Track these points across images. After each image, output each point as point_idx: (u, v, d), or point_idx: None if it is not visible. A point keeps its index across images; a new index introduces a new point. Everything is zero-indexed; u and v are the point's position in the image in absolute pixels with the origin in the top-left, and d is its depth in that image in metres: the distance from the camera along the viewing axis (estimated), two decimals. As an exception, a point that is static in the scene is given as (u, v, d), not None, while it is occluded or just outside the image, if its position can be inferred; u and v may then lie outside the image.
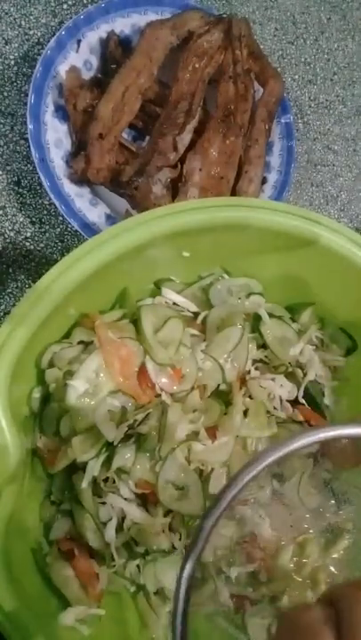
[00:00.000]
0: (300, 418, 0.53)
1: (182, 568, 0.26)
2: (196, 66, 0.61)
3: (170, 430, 0.47)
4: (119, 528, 0.47)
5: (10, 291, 0.63)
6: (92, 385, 0.47)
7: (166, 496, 0.46)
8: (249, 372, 0.53)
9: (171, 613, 0.26)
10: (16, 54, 0.66)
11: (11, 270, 0.63)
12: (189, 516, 0.46)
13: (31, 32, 0.67)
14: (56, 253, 0.65)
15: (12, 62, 0.66)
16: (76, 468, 0.48)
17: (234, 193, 0.63)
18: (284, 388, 0.53)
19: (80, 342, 0.50)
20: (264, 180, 0.66)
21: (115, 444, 0.46)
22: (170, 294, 0.54)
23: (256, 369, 0.53)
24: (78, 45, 0.62)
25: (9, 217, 0.64)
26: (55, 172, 0.60)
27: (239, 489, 0.27)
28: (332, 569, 0.37)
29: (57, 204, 0.58)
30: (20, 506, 0.43)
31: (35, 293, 0.43)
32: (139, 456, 0.46)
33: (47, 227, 0.65)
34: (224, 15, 0.65)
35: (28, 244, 0.64)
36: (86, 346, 0.49)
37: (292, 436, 0.28)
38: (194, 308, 0.55)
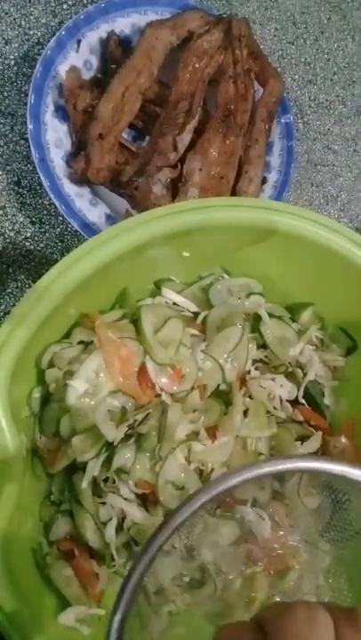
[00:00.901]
0: (300, 418, 0.53)
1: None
2: (196, 66, 0.61)
3: (170, 430, 0.47)
4: (119, 528, 0.47)
5: (10, 291, 0.63)
6: (92, 385, 0.47)
7: (166, 496, 0.46)
8: (249, 372, 0.53)
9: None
10: (16, 54, 0.66)
11: (11, 270, 0.63)
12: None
13: (31, 32, 0.67)
14: (56, 253, 0.65)
15: (12, 62, 0.66)
16: (76, 468, 0.48)
17: (234, 193, 0.63)
18: (284, 388, 0.53)
19: (80, 342, 0.50)
20: (264, 180, 0.66)
21: (115, 444, 0.46)
22: (170, 294, 0.54)
23: (256, 369, 0.53)
24: (78, 45, 0.62)
25: (9, 217, 0.64)
26: (55, 172, 0.60)
27: (169, 535, 0.28)
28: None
29: (57, 204, 0.58)
30: (20, 506, 0.43)
31: (35, 293, 0.43)
32: (139, 456, 0.46)
33: (47, 227, 0.65)
34: (224, 15, 0.65)
35: (28, 243, 0.64)
36: (86, 346, 0.49)
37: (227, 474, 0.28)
38: (194, 308, 0.55)
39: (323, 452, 0.54)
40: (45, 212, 0.65)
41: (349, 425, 0.55)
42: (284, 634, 0.22)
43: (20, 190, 0.64)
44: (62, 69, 0.61)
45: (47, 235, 0.65)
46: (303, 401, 0.54)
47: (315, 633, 0.22)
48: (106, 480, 0.47)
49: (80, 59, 0.63)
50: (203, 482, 0.47)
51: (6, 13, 0.66)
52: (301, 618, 0.23)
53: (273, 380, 0.53)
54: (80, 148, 0.60)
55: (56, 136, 0.61)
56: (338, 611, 0.24)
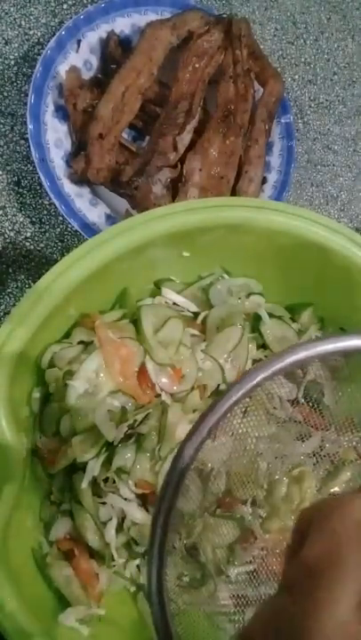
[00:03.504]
0: (300, 418, 0.53)
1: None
2: (196, 66, 0.61)
3: (170, 430, 0.47)
4: (119, 528, 0.47)
5: (10, 291, 0.63)
6: (92, 385, 0.47)
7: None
8: (249, 372, 0.53)
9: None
10: (16, 54, 0.66)
11: (11, 270, 0.63)
12: (189, 516, 0.46)
13: (31, 32, 0.67)
14: (56, 253, 0.65)
15: (12, 62, 0.66)
16: (76, 468, 0.48)
17: (234, 193, 0.63)
18: (283, 388, 0.53)
19: (80, 342, 0.50)
20: (264, 180, 0.66)
21: (115, 444, 0.46)
22: (170, 294, 0.54)
23: (256, 369, 0.53)
24: (78, 45, 0.62)
25: (9, 217, 0.64)
26: (55, 172, 0.60)
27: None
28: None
29: (57, 204, 0.58)
30: (20, 506, 0.43)
31: (35, 293, 0.43)
32: (139, 456, 0.46)
33: (47, 227, 0.65)
34: (224, 15, 0.65)
35: (28, 243, 0.64)
36: (86, 346, 0.49)
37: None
38: (194, 308, 0.55)
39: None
40: (45, 212, 0.65)
41: (349, 425, 0.54)
42: (330, 536, 0.19)
43: (20, 190, 0.64)
44: (62, 69, 0.61)
45: (47, 235, 0.65)
46: (303, 401, 0.54)
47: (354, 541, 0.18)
48: (106, 480, 0.47)
49: (80, 59, 0.63)
50: (203, 481, 0.47)
51: (6, 13, 0.66)
52: (353, 517, 0.19)
53: (273, 379, 0.52)
54: (80, 148, 0.60)
55: (56, 136, 0.61)
56: None
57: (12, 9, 0.66)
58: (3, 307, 0.62)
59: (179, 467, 0.25)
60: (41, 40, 0.67)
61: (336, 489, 0.34)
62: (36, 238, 0.64)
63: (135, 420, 0.47)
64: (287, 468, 0.35)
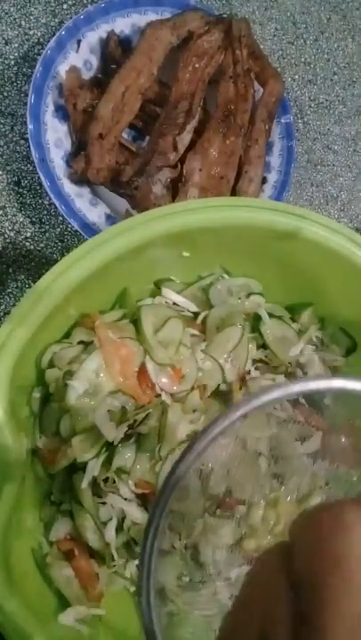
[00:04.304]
0: (301, 418, 0.53)
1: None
2: (196, 66, 0.61)
3: (170, 430, 0.47)
4: (119, 528, 0.47)
5: (10, 291, 0.63)
6: (92, 385, 0.47)
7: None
8: (249, 372, 0.53)
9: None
10: (16, 54, 0.66)
11: (11, 270, 0.63)
12: (189, 516, 0.46)
13: (31, 32, 0.67)
14: (56, 253, 0.65)
15: (12, 62, 0.66)
16: (76, 468, 0.48)
17: (234, 193, 0.63)
18: (284, 388, 0.53)
19: (80, 342, 0.50)
20: (264, 180, 0.66)
21: (115, 444, 0.46)
22: (170, 294, 0.54)
23: (256, 369, 0.53)
24: (78, 45, 0.62)
25: (9, 217, 0.64)
26: (55, 172, 0.60)
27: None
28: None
29: (57, 204, 0.58)
30: (20, 506, 0.43)
31: (35, 293, 0.43)
32: (139, 456, 0.46)
33: (47, 227, 0.65)
34: (224, 15, 0.65)
35: (28, 243, 0.64)
36: (86, 346, 0.49)
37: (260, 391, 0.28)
38: (194, 308, 0.55)
39: (322, 452, 0.54)
40: (45, 212, 0.65)
41: (349, 425, 0.54)
42: (311, 549, 0.18)
43: (20, 190, 0.64)
44: (62, 69, 0.61)
45: (47, 235, 0.65)
46: (303, 401, 0.54)
47: (351, 543, 0.17)
48: (106, 480, 0.47)
49: (80, 59, 0.63)
50: (202, 482, 0.47)
51: (6, 13, 0.66)
52: (326, 525, 0.18)
53: (273, 380, 0.52)
54: (80, 148, 0.60)
55: (56, 136, 0.61)
56: None
57: (11, 9, 0.66)
58: (3, 307, 0.62)
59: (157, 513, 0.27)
60: (41, 40, 0.67)
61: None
62: (36, 238, 0.64)
63: (135, 420, 0.47)
64: (264, 493, 0.37)
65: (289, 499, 0.37)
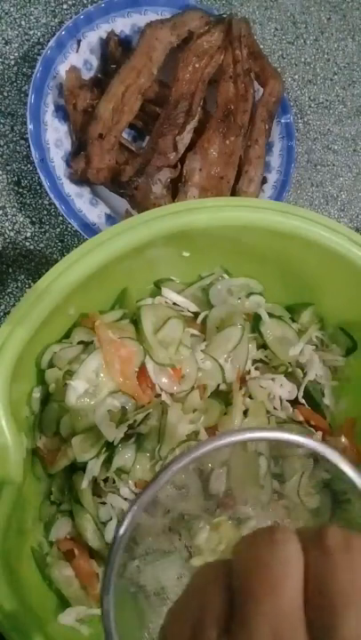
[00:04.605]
0: (301, 418, 0.53)
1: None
2: (196, 66, 0.61)
3: (170, 430, 0.47)
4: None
5: (10, 291, 0.63)
6: (92, 385, 0.47)
7: (165, 495, 0.46)
8: (249, 372, 0.53)
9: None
10: (16, 54, 0.66)
11: (11, 270, 0.63)
12: (188, 516, 0.46)
13: (31, 32, 0.67)
14: (56, 253, 0.65)
15: (12, 62, 0.66)
16: (76, 468, 0.48)
17: (234, 193, 0.63)
18: (284, 388, 0.53)
19: (80, 342, 0.50)
20: (264, 180, 0.66)
21: (115, 444, 0.46)
22: (170, 294, 0.54)
23: (256, 369, 0.53)
24: (78, 45, 0.62)
25: (9, 217, 0.64)
26: (55, 172, 0.60)
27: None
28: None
29: (57, 203, 0.58)
30: (20, 506, 0.43)
31: (35, 293, 0.43)
32: (139, 456, 0.46)
33: (47, 227, 0.65)
34: (224, 15, 0.65)
35: (28, 243, 0.64)
36: (86, 346, 0.49)
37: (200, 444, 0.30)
38: (194, 308, 0.55)
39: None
40: (45, 212, 0.65)
41: (349, 425, 0.54)
42: (246, 562, 0.21)
43: (20, 190, 0.64)
44: (62, 69, 0.61)
45: (47, 235, 0.65)
46: (303, 401, 0.54)
47: (277, 553, 0.20)
48: (106, 480, 0.47)
49: (80, 59, 0.63)
50: (203, 482, 0.47)
51: (6, 13, 0.66)
52: (263, 541, 0.21)
53: (273, 379, 0.52)
54: (80, 148, 0.60)
55: (56, 136, 0.61)
56: (305, 531, 0.22)
57: (12, 9, 0.66)
58: (3, 307, 0.62)
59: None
60: (41, 40, 0.67)
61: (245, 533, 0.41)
62: (36, 238, 0.64)
63: (135, 420, 0.47)
64: (208, 519, 0.43)
65: (231, 523, 0.43)
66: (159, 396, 0.49)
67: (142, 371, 0.49)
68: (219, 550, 0.42)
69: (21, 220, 0.64)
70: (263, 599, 0.19)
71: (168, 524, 0.47)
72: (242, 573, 0.21)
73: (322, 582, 0.20)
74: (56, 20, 0.68)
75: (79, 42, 0.62)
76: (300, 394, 0.53)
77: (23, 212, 0.64)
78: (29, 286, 0.63)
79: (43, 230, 0.64)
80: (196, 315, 0.54)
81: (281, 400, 0.53)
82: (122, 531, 0.29)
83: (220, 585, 0.21)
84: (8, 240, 0.63)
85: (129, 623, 0.39)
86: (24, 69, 0.66)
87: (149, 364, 0.48)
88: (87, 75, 0.64)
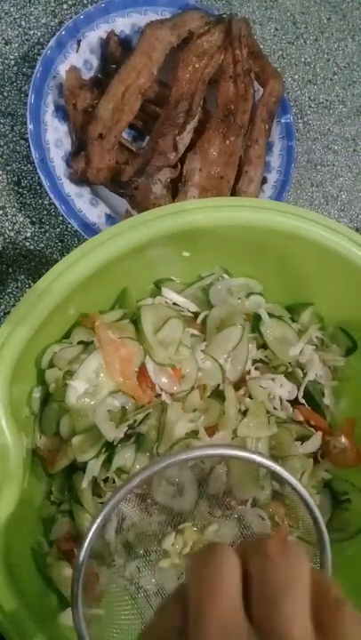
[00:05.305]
0: (300, 418, 0.53)
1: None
2: (196, 66, 0.61)
3: (169, 429, 0.47)
4: (119, 528, 0.47)
5: (10, 291, 0.63)
6: (92, 385, 0.47)
7: (160, 492, 0.46)
8: (249, 372, 0.53)
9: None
10: (16, 54, 0.66)
11: (11, 270, 0.63)
12: (181, 514, 0.46)
13: (31, 32, 0.67)
14: (56, 253, 0.65)
15: (12, 62, 0.66)
16: (76, 468, 0.48)
17: (234, 193, 0.63)
18: (284, 388, 0.53)
19: (80, 342, 0.50)
20: (264, 180, 0.66)
21: (115, 443, 0.46)
22: (170, 294, 0.54)
23: (256, 369, 0.53)
24: (78, 45, 0.62)
25: (9, 217, 0.64)
26: (55, 172, 0.60)
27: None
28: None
29: (57, 203, 0.58)
30: (20, 506, 0.43)
31: (35, 293, 0.43)
32: (139, 456, 0.46)
33: (47, 227, 0.65)
34: (224, 15, 0.65)
35: (28, 243, 0.64)
36: (86, 346, 0.49)
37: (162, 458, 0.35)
38: (194, 308, 0.55)
39: (323, 452, 0.54)
40: (45, 212, 0.65)
41: (349, 425, 0.54)
42: (192, 577, 0.24)
43: (20, 190, 0.64)
44: (62, 69, 0.61)
45: (47, 235, 0.65)
46: (303, 401, 0.54)
47: (215, 565, 0.24)
48: (106, 480, 0.47)
49: (80, 59, 0.63)
50: (203, 481, 0.47)
51: (6, 13, 0.66)
52: (204, 556, 0.24)
53: (273, 379, 0.52)
54: (80, 148, 0.60)
55: (56, 136, 0.61)
56: (247, 544, 0.25)
57: (12, 9, 0.66)
58: (3, 307, 0.62)
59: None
60: (41, 40, 0.67)
61: (208, 537, 0.45)
62: (36, 238, 0.64)
63: (135, 420, 0.47)
64: (175, 526, 0.46)
65: (194, 528, 0.45)
66: (159, 395, 0.49)
67: (142, 371, 0.49)
68: (184, 553, 0.45)
69: (21, 220, 0.64)
70: (207, 603, 0.22)
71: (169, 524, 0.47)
72: (190, 587, 0.24)
73: (262, 581, 0.23)
74: (56, 20, 0.68)
75: (79, 42, 0.62)
76: (300, 394, 0.53)
77: (23, 212, 0.64)
78: (29, 286, 0.63)
79: (43, 230, 0.64)
80: (196, 315, 0.54)
81: (281, 400, 0.53)
82: (81, 558, 0.34)
83: (178, 601, 0.24)
84: (8, 240, 0.63)
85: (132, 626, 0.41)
86: (24, 69, 0.66)
87: (149, 364, 0.48)
88: (87, 75, 0.64)
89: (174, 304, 0.54)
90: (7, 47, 0.66)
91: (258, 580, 0.23)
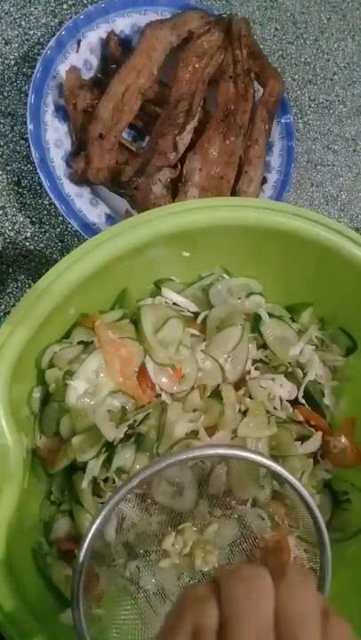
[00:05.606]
0: (300, 418, 0.53)
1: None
2: (196, 66, 0.61)
3: (169, 429, 0.47)
4: (119, 528, 0.47)
5: (10, 291, 0.63)
6: (92, 385, 0.47)
7: (160, 492, 0.46)
8: (249, 372, 0.53)
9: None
10: (16, 54, 0.66)
11: (11, 270, 0.63)
12: (180, 514, 0.46)
13: (31, 32, 0.67)
14: (56, 253, 0.65)
15: (12, 62, 0.66)
16: (76, 468, 0.48)
17: (234, 193, 0.63)
18: (284, 388, 0.53)
19: (80, 342, 0.50)
20: (264, 180, 0.66)
21: (115, 443, 0.46)
22: (170, 294, 0.54)
23: (256, 369, 0.53)
24: (78, 45, 0.62)
25: (9, 217, 0.64)
26: (55, 172, 0.60)
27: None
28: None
29: (57, 203, 0.58)
30: (20, 506, 0.43)
31: (35, 293, 0.43)
32: (139, 456, 0.47)
33: (47, 227, 0.65)
34: (224, 15, 0.65)
35: (28, 243, 0.64)
36: (86, 346, 0.49)
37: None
38: (194, 308, 0.55)
39: (323, 452, 0.54)
40: (45, 212, 0.65)
41: (349, 425, 0.55)
42: (232, 586, 0.28)
43: (20, 190, 0.64)
44: (62, 69, 0.61)
45: (47, 235, 0.65)
46: (303, 401, 0.54)
47: (257, 585, 0.28)
48: (106, 480, 0.47)
49: (80, 59, 0.63)
50: (203, 481, 0.47)
51: (6, 13, 0.66)
52: (246, 575, 0.28)
53: (273, 379, 0.53)
54: (80, 148, 0.60)
55: (56, 136, 0.61)
56: (273, 569, 0.29)
57: (12, 9, 0.66)
58: (3, 307, 0.62)
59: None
60: (41, 40, 0.67)
61: (208, 537, 0.46)
62: (36, 238, 0.64)
63: (135, 420, 0.47)
64: (175, 525, 0.46)
65: (194, 528, 0.46)
66: (159, 395, 0.49)
67: (142, 371, 0.49)
68: (183, 553, 0.45)
69: (21, 220, 0.64)
70: (248, 619, 0.27)
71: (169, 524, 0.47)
72: (230, 599, 0.28)
73: (285, 607, 0.27)
74: (56, 20, 0.68)
75: (79, 42, 0.62)
76: (300, 394, 0.53)
77: (23, 212, 0.64)
78: (29, 286, 0.63)
79: (43, 230, 0.64)
80: (196, 315, 0.54)
81: (281, 400, 0.53)
82: (81, 558, 0.35)
83: (212, 604, 0.28)
84: (8, 240, 0.63)
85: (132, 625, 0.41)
86: (24, 69, 0.66)
87: (149, 364, 0.48)
88: (87, 75, 0.64)
89: (174, 304, 0.54)
90: (7, 47, 0.66)
91: (282, 605, 0.27)
